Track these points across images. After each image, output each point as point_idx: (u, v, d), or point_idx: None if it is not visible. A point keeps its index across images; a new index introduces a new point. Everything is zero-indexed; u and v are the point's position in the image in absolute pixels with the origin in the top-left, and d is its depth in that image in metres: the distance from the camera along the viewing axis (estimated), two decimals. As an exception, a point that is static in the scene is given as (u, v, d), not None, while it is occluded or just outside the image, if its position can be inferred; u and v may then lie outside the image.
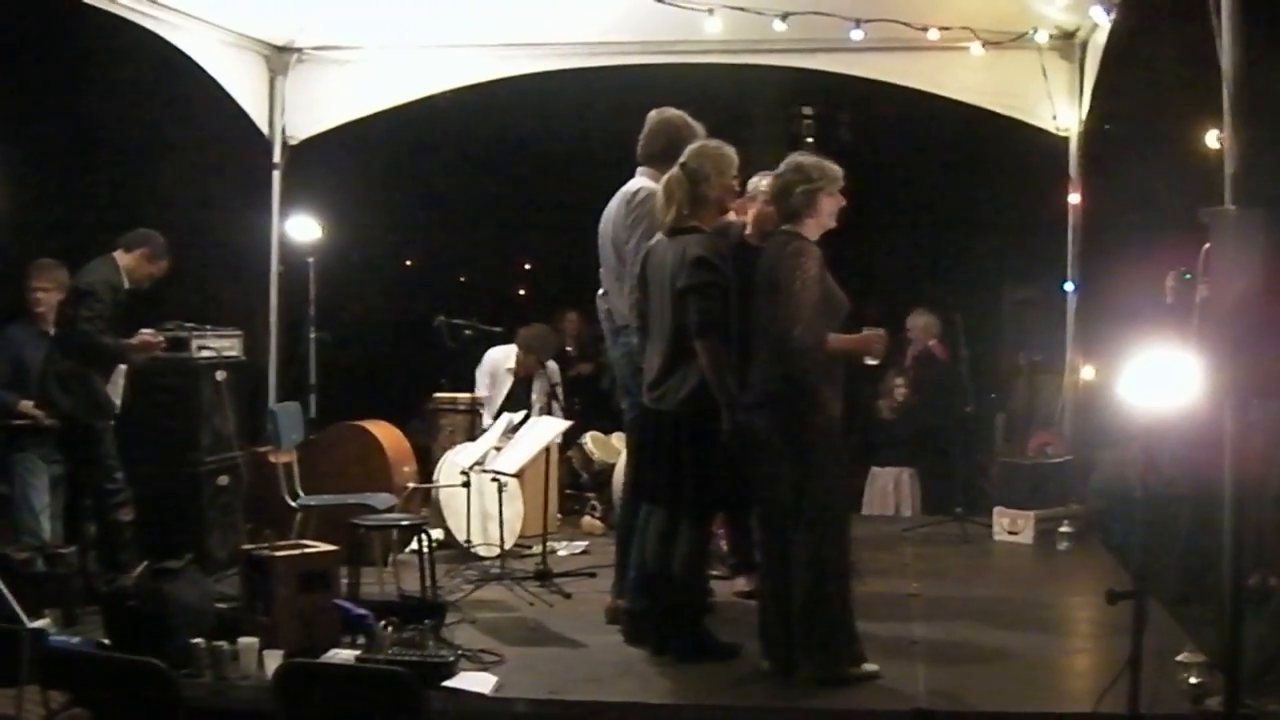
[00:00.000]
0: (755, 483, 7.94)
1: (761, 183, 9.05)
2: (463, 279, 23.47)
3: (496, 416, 11.73)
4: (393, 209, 20.63)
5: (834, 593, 7.69)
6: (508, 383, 12.62)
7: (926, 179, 18.48)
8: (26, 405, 10.12)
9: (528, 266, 24.81)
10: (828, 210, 7.83)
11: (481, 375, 12.72)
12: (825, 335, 7.59)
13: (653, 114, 9.14)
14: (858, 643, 7.79)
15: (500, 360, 12.70)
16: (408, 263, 23.98)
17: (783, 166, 7.98)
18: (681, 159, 8.24)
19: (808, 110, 10.60)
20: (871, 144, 17.62)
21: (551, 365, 12.78)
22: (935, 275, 17.13)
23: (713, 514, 8.72)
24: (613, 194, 9.10)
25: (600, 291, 9.22)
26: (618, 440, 12.34)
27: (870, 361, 7.95)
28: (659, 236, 8.31)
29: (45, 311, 10.50)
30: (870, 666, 7.77)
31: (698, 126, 8.97)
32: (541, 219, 20.74)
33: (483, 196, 21.05)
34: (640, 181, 8.96)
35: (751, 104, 17.22)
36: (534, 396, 12.52)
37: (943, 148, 17.25)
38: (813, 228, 7.82)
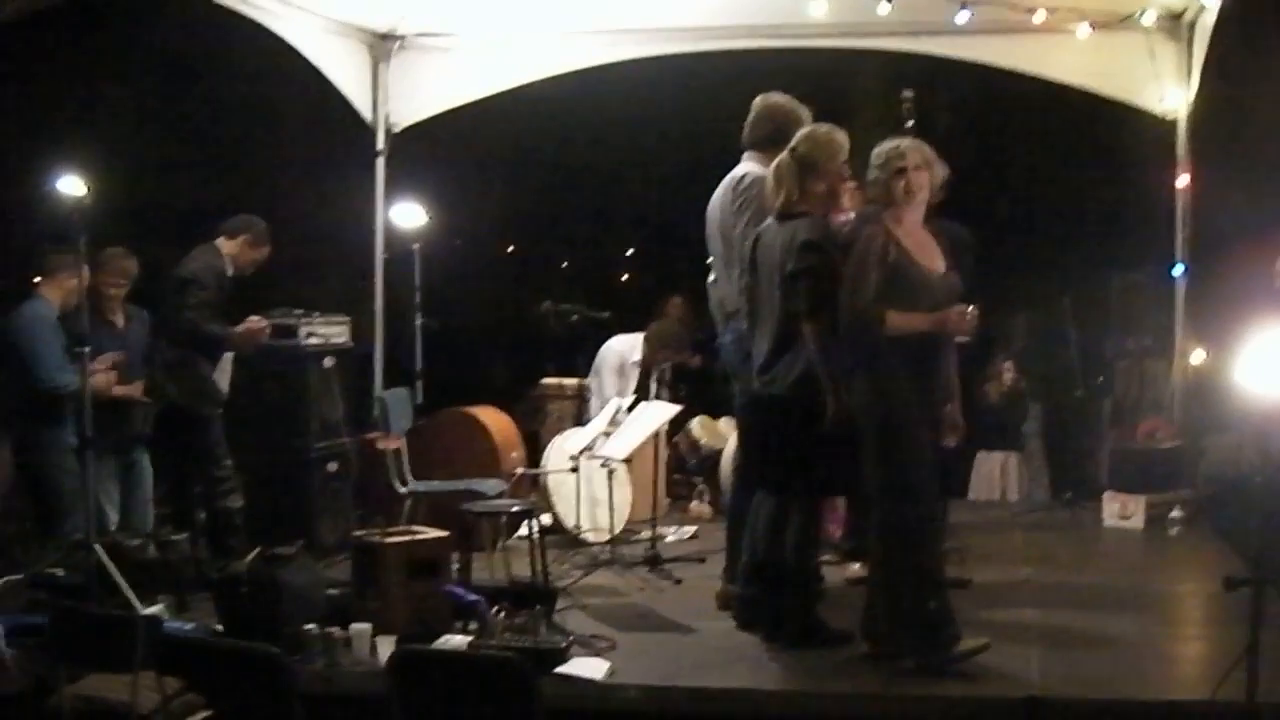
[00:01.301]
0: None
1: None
2: (565, 264, 23.46)
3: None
4: (495, 195, 20.67)
5: (905, 576, 7.63)
6: (635, 375, 12.56)
7: (1032, 161, 18.33)
8: (121, 389, 10.02)
9: (630, 252, 24.78)
10: (902, 192, 7.72)
11: (606, 369, 12.62)
12: (881, 315, 7.53)
13: (759, 99, 9.11)
14: (953, 625, 7.67)
15: (626, 353, 12.63)
16: (510, 249, 24.01)
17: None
18: (792, 144, 8.20)
19: (908, 93, 10.54)
20: (975, 127, 17.50)
21: (661, 351, 12.74)
22: (1042, 258, 16.99)
23: (822, 498, 8.68)
24: (719, 180, 9.07)
25: (710, 279, 9.20)
26: (725, 425, 12.32)
27: (960, 339, 7.88)
28: (768, 221, 8.27)
29: (111, 302, 10.27)
30: (974, 641, 7.67)
31: (804, 111, 8.93)
32: (645, 205, 20.71)
33: (586, 182, 21.04)
34: (747, 167, 8.93)
35: (851, 87, 17.15)
36: (653, 384, 12.51)
37: (1048, 130, 17.10)
38: (894, 210, 7.75)
